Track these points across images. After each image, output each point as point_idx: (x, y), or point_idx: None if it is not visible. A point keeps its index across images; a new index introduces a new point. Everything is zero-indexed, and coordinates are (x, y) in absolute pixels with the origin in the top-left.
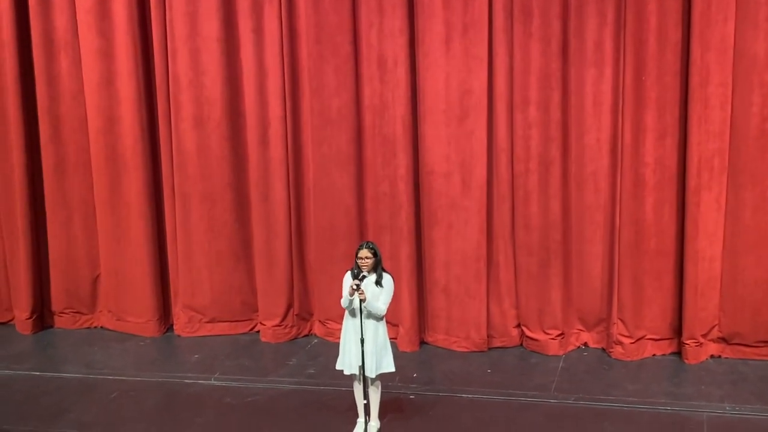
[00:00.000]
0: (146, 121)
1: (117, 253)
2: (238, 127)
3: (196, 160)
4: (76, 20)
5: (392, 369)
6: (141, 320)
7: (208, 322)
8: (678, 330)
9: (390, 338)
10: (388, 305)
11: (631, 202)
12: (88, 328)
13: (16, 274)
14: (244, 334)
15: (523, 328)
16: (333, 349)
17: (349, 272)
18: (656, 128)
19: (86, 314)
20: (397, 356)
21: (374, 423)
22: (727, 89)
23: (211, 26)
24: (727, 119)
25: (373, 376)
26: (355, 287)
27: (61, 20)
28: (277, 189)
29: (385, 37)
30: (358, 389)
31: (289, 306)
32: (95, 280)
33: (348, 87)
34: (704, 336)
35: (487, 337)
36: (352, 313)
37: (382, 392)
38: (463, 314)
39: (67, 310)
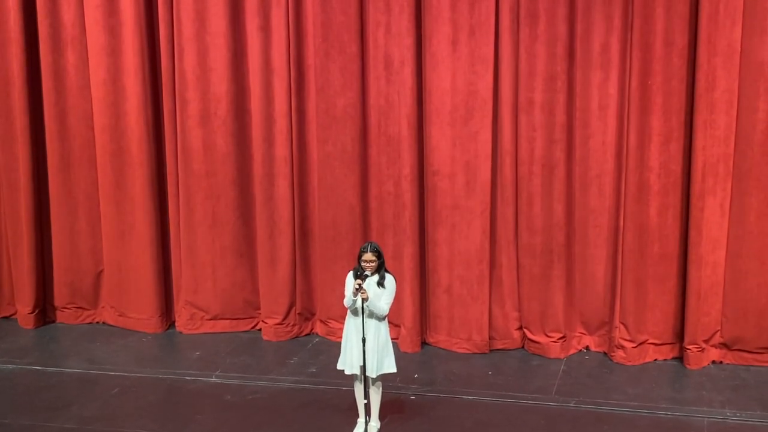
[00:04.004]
0: (152, 117)
1: (120, 249)
2: (243, 125)
3: (202, 156)
4: (83, 16)
5: (394, 370)
6: (143, 316)
7: (210, 320)
8: (680, 335)
9: (392, 338)
10: (390, 305)
11: (635, 206)
12: (90, 323)
13: (19, 269)
14: (245, 331)
15: (525, 331)
16: (334, 349)
17: (351, 272)
18: (661, 132)
19: (88, 309)
20: (399, 357)
21: (374, 423)
22: (733, 95)
23: (218, 23)
24: (732, 125)
25: (374, 376)
26: (357, 287)
27: (68, 16)
28: (282, 187)
29: (392, 37)
30: (358, 389)
31: (292, 304)
32: (98, 276)
33: (354, 86)
34: (706, 341)
35: (489, 338)
36: (355, 313)
37: (382, 392)
38: (465, 315)
39: (69, 305)
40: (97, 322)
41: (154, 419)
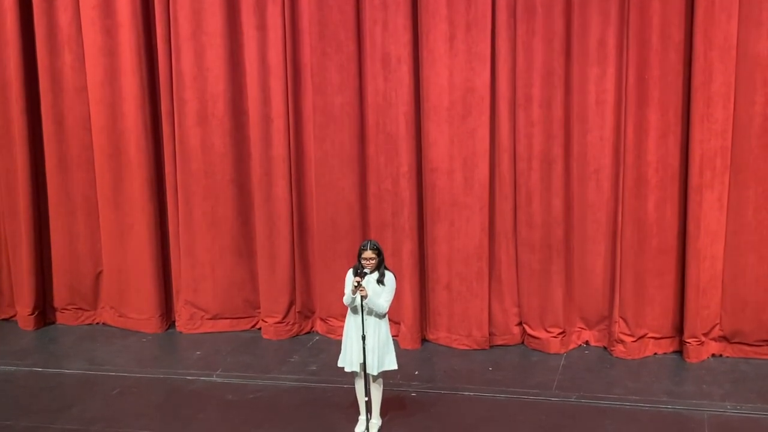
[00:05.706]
0: (149, 117)
1: (119, 250)
2: (241, 124)
3: (199, 156)
4: (80, 16)
5: (395, 367)
6: (143, 317)
7: (210, 319)
8: (679, 328)
9: (392, 335)
10: (390, 303)
11: (633, 201)
12: (90, 324)
13: (19, 271)
14: (245, 331)
15: (525, 326)
16: (334, 346)
17: (351, 269)
18: (659, 126)
19: (88, 310)
20: (399, 354)
21: (376, 420)
22: (729, 88)
23: (214, 23)
24: (729, 118)
25: (375, 373)
26: (356, 284)
27: (65, 17)
28: (280, 186)
29: (389, 35)
30: (359, 386)
31: (291, 303)
32: (97, 277)
33: (351, 84)
34: (705, 335)
35: (489, 335)
36: (354, 311)
37: (383, 389)
38: (464, 312)
39: (69, 307)
40: (97, 323)
41: (155, 419)
